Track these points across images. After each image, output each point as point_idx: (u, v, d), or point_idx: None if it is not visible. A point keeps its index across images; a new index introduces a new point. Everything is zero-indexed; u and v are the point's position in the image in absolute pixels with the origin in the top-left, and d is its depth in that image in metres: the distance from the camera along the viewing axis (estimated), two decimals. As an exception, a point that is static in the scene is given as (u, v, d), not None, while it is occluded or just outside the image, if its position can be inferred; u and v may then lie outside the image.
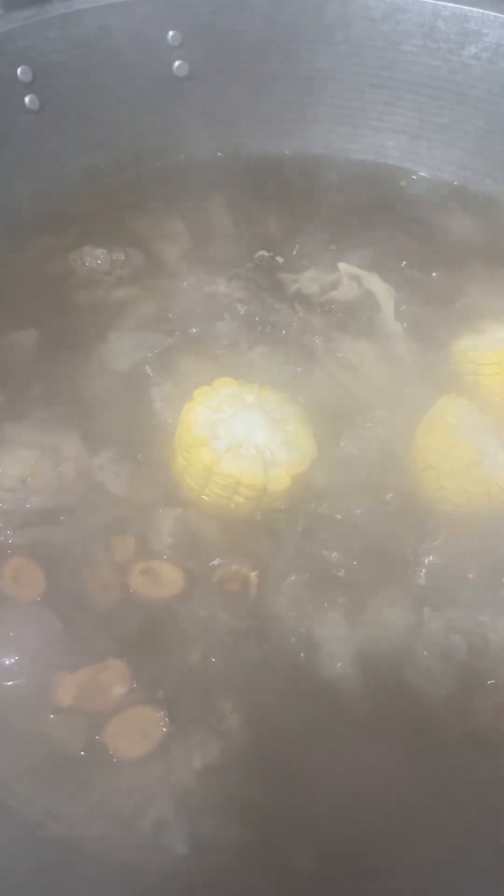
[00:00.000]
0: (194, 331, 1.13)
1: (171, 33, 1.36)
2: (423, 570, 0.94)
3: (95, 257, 1.24)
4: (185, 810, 0.80)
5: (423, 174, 1.50)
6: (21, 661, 0.86)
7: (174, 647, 0.88)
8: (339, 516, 0.97)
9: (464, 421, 0.99)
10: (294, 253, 1.24)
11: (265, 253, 1.17)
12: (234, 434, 0.97)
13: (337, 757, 0.84)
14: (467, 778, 0.83)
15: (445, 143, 1.48)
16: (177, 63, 1.39)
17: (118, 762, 0.81)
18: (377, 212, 1.38)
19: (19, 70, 1.25)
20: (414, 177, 1.50)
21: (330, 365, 1.08)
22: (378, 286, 1.13)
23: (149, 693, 0.84)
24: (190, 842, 0.78)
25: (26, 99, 1.28)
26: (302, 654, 0.89)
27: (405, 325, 1.14)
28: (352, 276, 1.13)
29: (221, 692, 0.85)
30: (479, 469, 0.96)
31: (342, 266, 1.15)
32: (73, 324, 1.17)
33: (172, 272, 1.23)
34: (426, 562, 0.95)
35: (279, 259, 1.18)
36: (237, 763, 0.83)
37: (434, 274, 1.26)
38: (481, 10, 1.35)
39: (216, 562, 0.94)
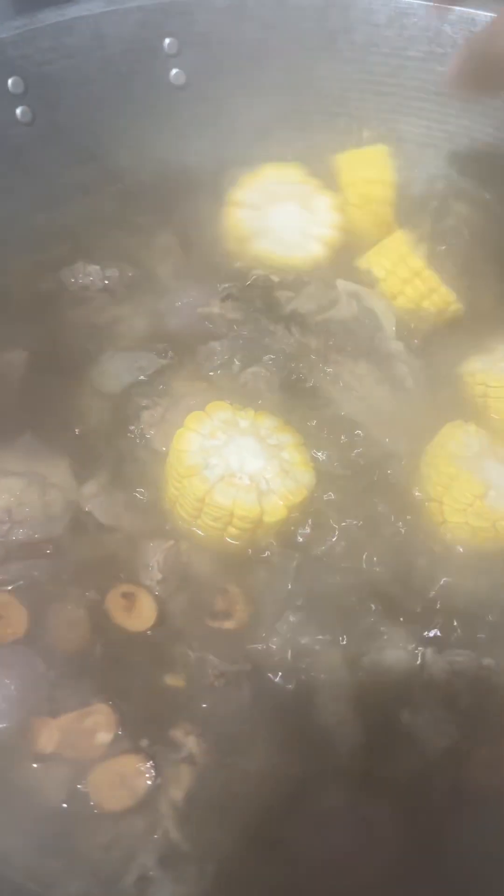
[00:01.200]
0: (188, 352, 1.09)
1: (167, 41, 1.32)
2: (427, 610, 0.90)
3: (88, 274, 1.20)
4: (170, 866, 0.76)
5: (429, 184, 1.45)
6: (1, 706, 0.82)
7: (161, 691, 0.84)
8: (337, 550, 0.93)
9: (469, 450, 0.94)
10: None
11: (260, 272, 1.12)
12: (228, 462, 0.93)
13: (331, 808, 0.79)
14: (461, 837, 0.78)
15: (453, 151, 1.43)
16: (174, 71, 1.34)
17: (100, 815, 0.77)
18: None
19: (10, 81, 1.21)
20: (420, 187, 1.44)
21: (328, 388, 1.03)
22: (378, 303, 1.08)
23: (134, 741, 0.80)
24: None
25: (18, 111, 1.24)
26: (296, 699, 0.84)
27: (408, 344, 1.08)
28: (350, 294, 1.08)
29: (211, 740, 0.81)
30: (483, 503, 0.91)
31: (340, 283, 1.10)
32: (63, 344, 1.13)
33: (166, 290, 1.19)
34: (430, 601, 0.91)
35: (275, 277, 1.14)
36: (227, 815, 0.79)
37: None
38: (490, 14, 1.30)
39: (207, 599, 0.89)
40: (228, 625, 0.88)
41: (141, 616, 0.87)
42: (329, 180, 1.31)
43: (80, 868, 0.75)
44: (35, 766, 0.80)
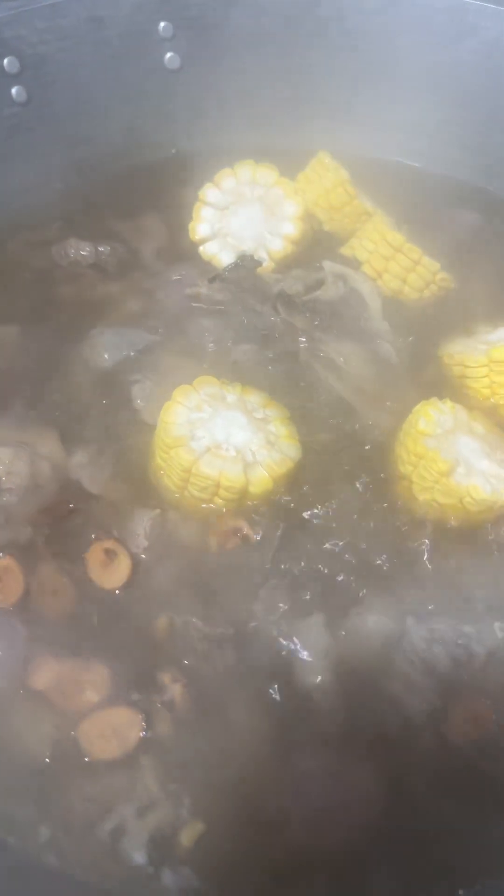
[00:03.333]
0: (178, 329, 1.11)
1: (162, 24, 1.33)
2: (407, 579, 0.92)
3: (80, 250, 1.22)
4: (149, 819, 0.78)
5: (420, 170, 1.47)
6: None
7: (149, 650, 0.86)
8: (320, 521, 0.95)
9: (438, 428, 0.96)
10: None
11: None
12: (214, 434, 0.95)
13: (312, 771, 0.81)
14: (444, 794, 0.80)
15: (444, 139, 1.45)
16: (168, 55, 1.36)
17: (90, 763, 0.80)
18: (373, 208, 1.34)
19: (6, 61, 1.23)
20: (411, 173, 1.46)
21: (314, 365, 1.05)
22: (364, 284, 1.10)
23: (125, 696, 0.83)
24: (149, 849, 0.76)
25: (13, 90, 1.25)
26: (278, 663, 0.86)
27: (393, 323, 1.11)
28: (337, 275, 1.10)
29: (193, 701, 0.83)
30: (448, 480, 0.93)
31: (327, 264, 1.12)
32: (55, 319, 1.15)
33: (155, 269, 1.21)
34: (410, 571, 0.93)
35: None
36: (208, 775, 0.81)
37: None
38: (480, 3, 1.32)
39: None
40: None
41: (115, 573, 0.89)
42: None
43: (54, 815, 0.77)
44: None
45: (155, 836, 0.76)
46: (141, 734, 0.81)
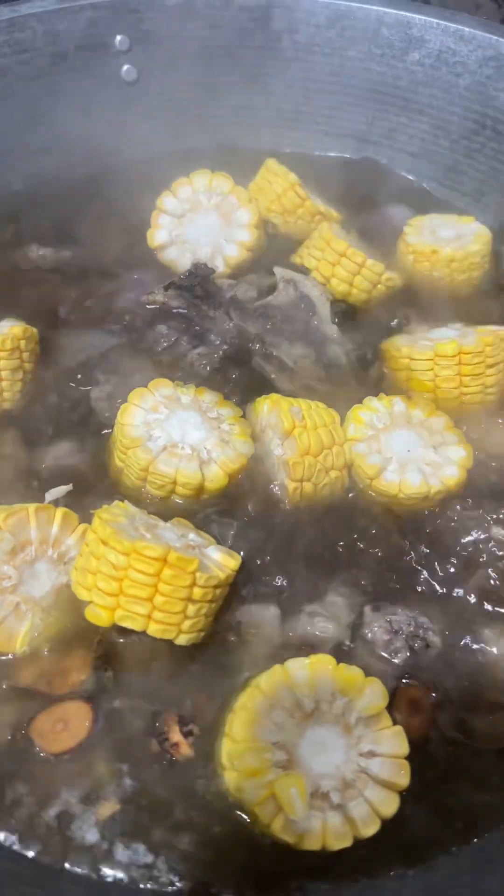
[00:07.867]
0: (135, 333, 1.15)
1: (118, 38, 1.38)
2: (361, 571, 0.97)
3: (41, 255, 1.26)
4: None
5: (369, 170, 1.52)
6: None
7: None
8: (275, 516, 0.99)
9: (370, 430, 1.03)
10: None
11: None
12: (170, 434, 0.99)
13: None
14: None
15: (391, 146, 1.51)
16: (125, 67, 1.41)
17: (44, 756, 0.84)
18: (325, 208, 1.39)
19: (-36, 74, 1.27)
20: (361, 179, 1.51)
21: (266, 367, 1.10)
22: (314, 289, 1.15)
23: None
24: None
25: (-27, 102, 1.29)
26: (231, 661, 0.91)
27: (342, 325, 1.16)
28: (288, 280, 1.15)
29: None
30: (378, 480, 1.00)
31: (278, 270, 1.17)
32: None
33: (115, 275, 1.25)
34: (362, 562, 0.98)
35: (216, 265, 1.21)
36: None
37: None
38: (424, 17, 1.39)
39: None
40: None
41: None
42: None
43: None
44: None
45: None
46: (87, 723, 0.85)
